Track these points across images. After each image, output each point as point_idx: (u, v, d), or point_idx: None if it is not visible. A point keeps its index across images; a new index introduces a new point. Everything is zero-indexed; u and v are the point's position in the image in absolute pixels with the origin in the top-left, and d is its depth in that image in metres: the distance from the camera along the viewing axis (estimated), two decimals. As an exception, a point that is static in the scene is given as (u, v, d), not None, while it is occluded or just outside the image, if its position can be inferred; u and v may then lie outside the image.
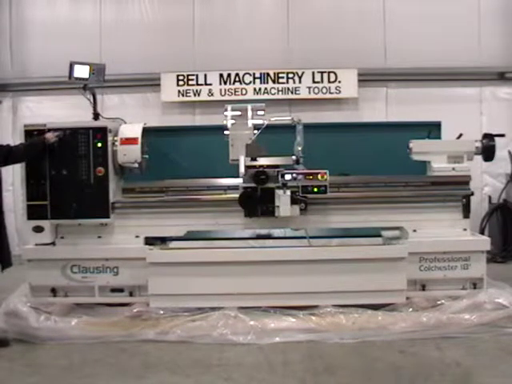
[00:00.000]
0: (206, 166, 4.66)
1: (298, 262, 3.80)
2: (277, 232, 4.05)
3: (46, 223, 3.93)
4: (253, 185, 3.86)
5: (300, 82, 5.92)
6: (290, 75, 5.95)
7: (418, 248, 3.70)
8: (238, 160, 3.96)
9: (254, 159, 3.89)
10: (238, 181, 3.97)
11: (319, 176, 3.86)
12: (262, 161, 3.90)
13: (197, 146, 4.95)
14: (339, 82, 5.77)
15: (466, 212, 3.96)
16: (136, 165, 4.10)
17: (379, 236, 4.09)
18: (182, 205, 4.11)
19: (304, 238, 3.96)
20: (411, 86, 6.02)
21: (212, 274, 3.80)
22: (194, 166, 4.80)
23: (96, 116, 4.22)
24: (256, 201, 3.85)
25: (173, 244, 3.96)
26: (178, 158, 4.90)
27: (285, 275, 3.80)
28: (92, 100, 4.17)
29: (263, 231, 4.07)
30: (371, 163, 4.33)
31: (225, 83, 5.96)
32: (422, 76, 6.02)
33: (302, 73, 5.94)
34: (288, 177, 3.87)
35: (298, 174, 3.87)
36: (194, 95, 5.95)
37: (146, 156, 4.27)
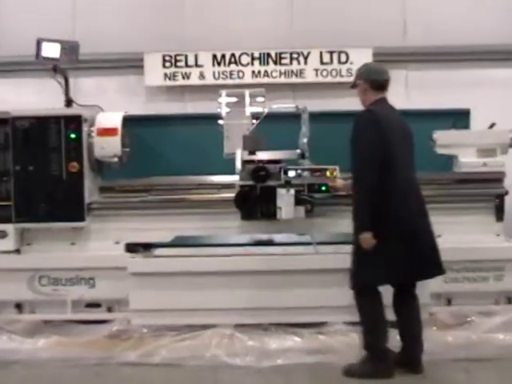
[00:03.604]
0: (196, 160, 4.70)
1: (303, 272, 3.83)
2: (279, 237, 4.07)
3: (9, 227, 3.95)
4: (251, 183, 3.89)
5: (306, 63, 5.83)
6: (294, 55, 5.86)
7: (443, 256, 3.64)
8: (233, 154, 3.98)
9: (252, 153, 3.91)
10: (234, 178, 3.99)
11: (328, 172, 3.88)
12: (262, 155, 3.93)
13: (186, 138, 4.99)
14: (351, 63, 5.72)
15: (500, 214, 3.98)
16: (116, 159, 4.13)
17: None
18: (170, 206, 4.16)
19: (310, 244, 3.96)
20: (435, 67, 5.93)
21: (204, 286, 3.83)
22: (183, 160, 4.85)
23: (69, 103, 4.23)
24: (255, 201, 3.88)
25: (158, 251, 3.96)
26: (165, 151, 4.97)
27: (288, 287, 3.82)
28: (64, 84, 4.17)
29: (263, 236, 4.09)
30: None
31: (219, 65, 5.88)
32: (448, 56, 5.93)
33: (308, 53, 5.83)
34: (292, 173, 3.91)
35: (303, 170, 3.90)
36: (183, 79, 5.86)
37: (128, 149, 4.30)
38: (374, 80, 3.24)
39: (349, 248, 3.81)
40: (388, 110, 3.24)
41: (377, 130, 3.09)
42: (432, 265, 3.19)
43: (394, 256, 3.08)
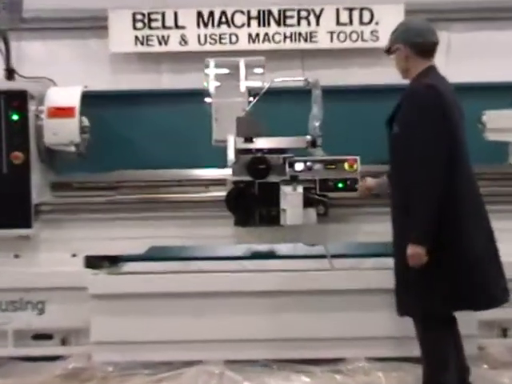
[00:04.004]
0: (177, 150, 4.72)
1: (314, 294, 3.84)
2: (283, 249, 4.11)
3: None
4: (247, 178, 3.90)
5: (318, 23, 5.72)
6: (303, 14, 5.78)
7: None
8: (224, 141, 3.98)
9: (249, 140, 3.92)
10: (226, 172, 4.02)
11: (346, 165, 3.91)
12: (261, 142, 3.94)
13: (164, 121, 4.98)
14: (376, 23, 5.62)
15: None
16: (72, 148, 4.15)
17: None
18: (143, 208, 4.19)
19: (324, 257, 3.97)
20: (486, 27, 5.82)
21: (187, 312, 3.82)
22: (159, 150, 4.85)
23: (10, 74, 4.26)
24: (252, 202, 3.89)
25: (128, 266, 3.98)
26: (137, 138, 4.99)
27: (295, 313, 3.82)
28: (4, 49, 4.20)
29: (262, 247, 4.12)
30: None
31: (205, 26, 5.80)
32: (503, 13, 5.81)
33: (321, 10, 5.73)
34: (300, 166, 3.94)
35: (314, 162, 3.93)
36: (160, 44, 5.77)
37: (88, 135, 4.31)
38: (418, 43, 3.16)
39: (373, 263, 3.93)
40: (445, 84, 3.15)
41: (444, 113, 3.02)
42: (500, 291, 3.20)
43: (458, 278, 3.08)
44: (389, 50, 3.30)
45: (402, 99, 3.16)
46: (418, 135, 3.01)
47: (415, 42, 3.16)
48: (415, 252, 2.98)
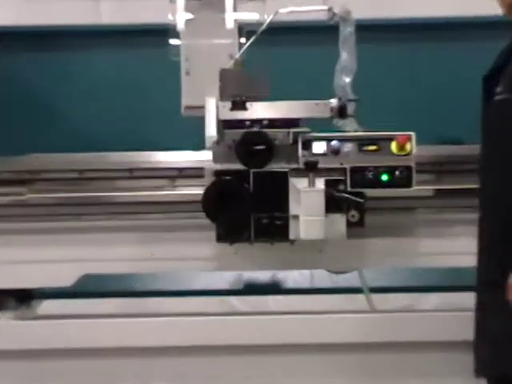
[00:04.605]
0: (125, 121, 4.80)
1: (343, 349, 3.88)
2: (292, 278, 4.16)
3: None
4: (237, 166, 3.81)
5: None
6: None
7: None
8: (201, 108, 3.95)
9: (239, 106, 3.84)
10: (203, 157, 3.99)
11: (395, 145, 3.81)
12: (259, 110, 3.86)
13: (104, 75, 5.03)
14: None
15: None
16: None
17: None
18: (70, 213, 4.14)
19: (359, 291, 4.01)
20: None
21: (140, 376, 3.90)
22: (97, 121, 4.93)
23: None
24: (244, 204, 3.81)
25: (46, 306, 4.02)
26: (61, 101, 5.05)
27: (311, 380, 3.91)
28: None
29: (261, 276, 4.15)
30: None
31: None
32: None
33: None
34: (320, 147, 3.83)
35: (343, 140, 3.84)
36: None
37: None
38: None
39: (435, 301, 4.07)
40: None
41: None
42: None
43: None
44: None
45: None
46: None
47: None
48: None
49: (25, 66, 4.96)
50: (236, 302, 4.01)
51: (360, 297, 4.00)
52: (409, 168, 3.78)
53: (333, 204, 3.77)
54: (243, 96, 3.85)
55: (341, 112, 3.85)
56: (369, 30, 4.19)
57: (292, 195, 3.79)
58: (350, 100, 3.92)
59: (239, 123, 3.85)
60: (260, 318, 3.96)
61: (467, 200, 3.81)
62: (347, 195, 3.81)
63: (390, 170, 3.80)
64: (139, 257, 4.07)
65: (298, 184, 3.77)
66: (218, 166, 3.81)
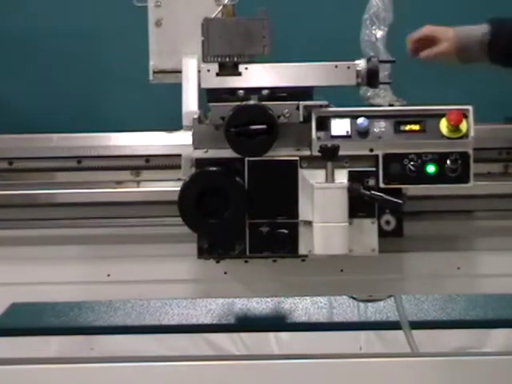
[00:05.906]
0: (71, 94, 4.61)
1: None
2: (304, 308, 3.77)
3: None
4: (226, 153, 3.35)
5: None
6: None
7: None
8: (176, 72, 3.72)
9: (229, 68, 3.40)
10: (178, 141, 3.53)
11: (445, 123, 3.31)
12: (257, 73, 3.40)
13: (41, 26, 4.72)
14: None
15: None
16: None
17: None
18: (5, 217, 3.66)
19: (395, 327, 3.83)
20: None
21: None
22: (32, 94, 4.70)
23: None
24: (235, 206, 3.36)
25: None
26: None
27: None
28: None
29: (259, 305, 3.75)
30: None
31: None
32: None
33: None
34: (342, 127, 3.34)
35: (374, 117, 3.37)
36: None
37: None
38: None
39: (502, 341, 4.12)
40: None
41: None
42: None
43: None
44: None
45: None
46: None
47: None
48: None
49: None
50: (225, 341, 3.62)
51: (397, 334, 3.84)
52: (465, 156, 3.27)
53: (360, 206, 3.27)
54: (235, 55, 3.38)
55: (370, 78, 3.33)
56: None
57: (303, 193, 3.31)
58: (382, 61, 3.44)
59: (229, 94, 3.37)
60: (258, 363, 3.56)
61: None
62: (379, 194, 3.28)
63: (438, 159, 3.30)
64: (89, 279, 3.59)
65: (312, 178, 3.28)
66: (200, 154, 3.35)
